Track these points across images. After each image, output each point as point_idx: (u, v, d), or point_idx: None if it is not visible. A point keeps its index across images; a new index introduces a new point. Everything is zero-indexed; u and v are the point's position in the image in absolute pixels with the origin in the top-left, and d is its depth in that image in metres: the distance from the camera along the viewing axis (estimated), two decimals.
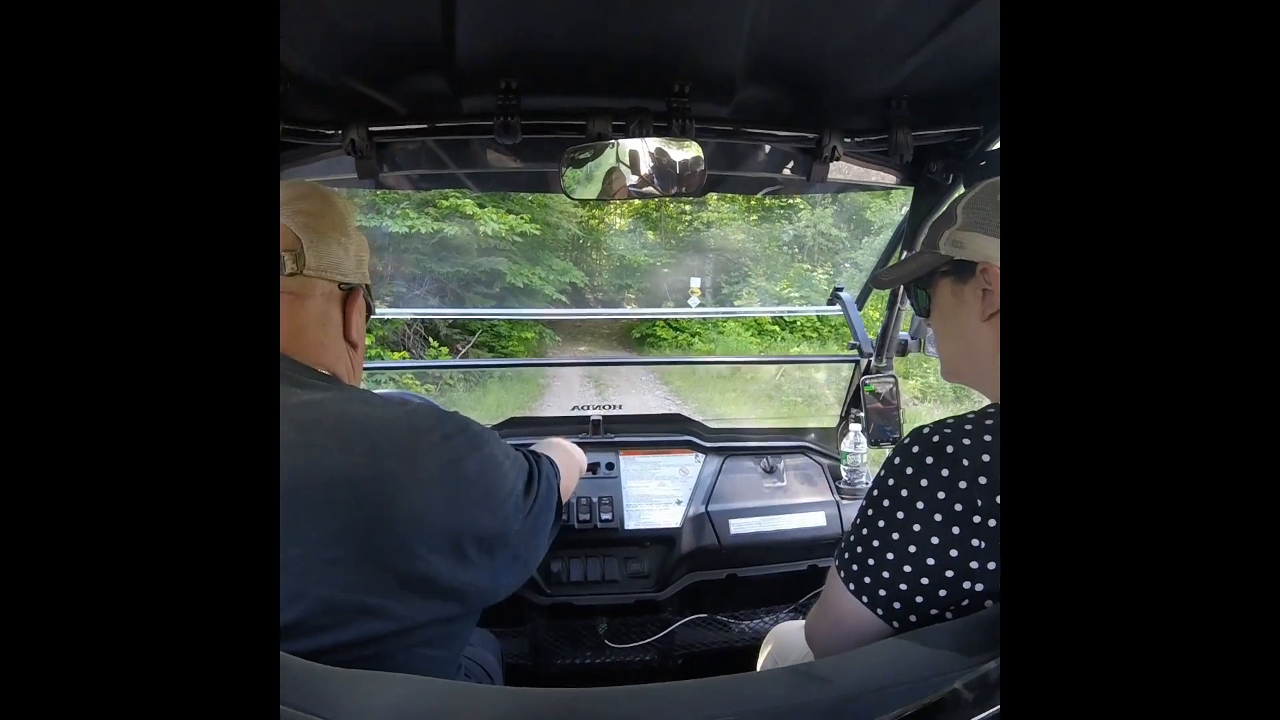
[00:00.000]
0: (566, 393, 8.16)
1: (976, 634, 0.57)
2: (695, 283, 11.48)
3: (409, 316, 7.73)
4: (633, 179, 1.14)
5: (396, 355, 7.80)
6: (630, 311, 11.94)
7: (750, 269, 12.03)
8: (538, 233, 10.31)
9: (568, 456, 1.14)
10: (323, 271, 0.81)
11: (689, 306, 10.99)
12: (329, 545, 0.66)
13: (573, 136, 1.13)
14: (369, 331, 0.97)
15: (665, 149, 1.13)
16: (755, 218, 11.92)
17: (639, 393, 8.41)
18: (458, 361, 7.24)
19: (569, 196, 1.16)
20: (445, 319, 9.14)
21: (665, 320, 11.17)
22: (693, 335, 11.30)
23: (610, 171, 1.14)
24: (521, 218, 9.68)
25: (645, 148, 1.12)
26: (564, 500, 0.98)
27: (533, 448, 1.15)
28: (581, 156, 1.13)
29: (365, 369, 1.06)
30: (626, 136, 1.10)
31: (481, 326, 9.54)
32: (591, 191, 1.15)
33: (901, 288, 1.55)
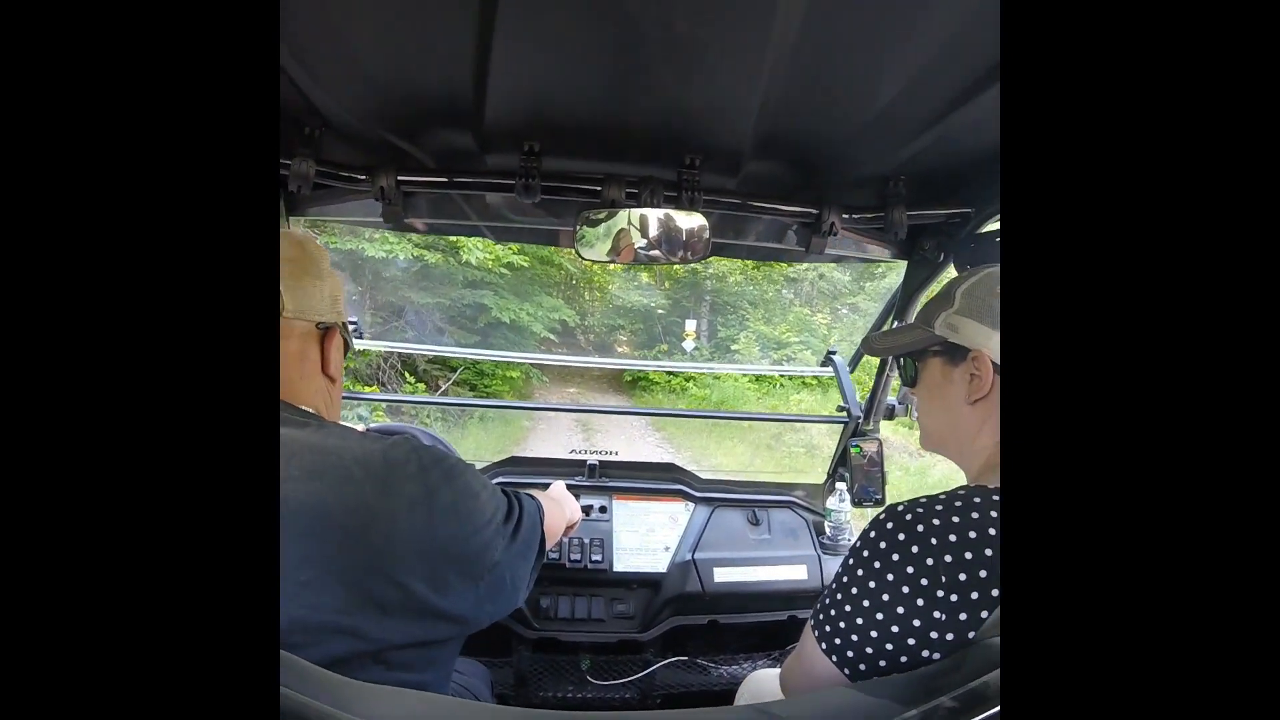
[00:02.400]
0: (552, 436, 8.05)
1: (910, 687, 0.66)
2: (690, 325, 11.42)
3: (387, 349, 7.63)
4: (641, 242, 1.27)
5: (368, 390, 7.67)
6: (620, 362, 11.78)
7: (748, 313, 11.90)
8: (526, 265, 10.19)
9: (555, 504, 1.22)
10: (300, 313, 0.91)
11: (684, 349, 10.78)
12: (301, 568, 0.71)
13: (588, 200, 1.25)
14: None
15: (673, 215, 1.25)
16: (753, 262, 11.85)
17: (630, 440, 8.30)
18: (440, 399, 7.14)
19: (580, 256, 1.29)
20: (425, 354, 8.93)
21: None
22: (687, 380, 11.14)
23: (620, 234, 1.27)
24: (509, 248, 9.56)
25: (654, 214, 1.24)
26: (549, 539, 1.05)
27: (531, 493, 1.27)
28: (595, 218, 1.25)
29: (343, 398, 1.16)
30: (639, 205, 1.23)
31: (463, 364, 9.36)
32: (602, 252, 1.28)
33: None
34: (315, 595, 0.72)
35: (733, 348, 11.55)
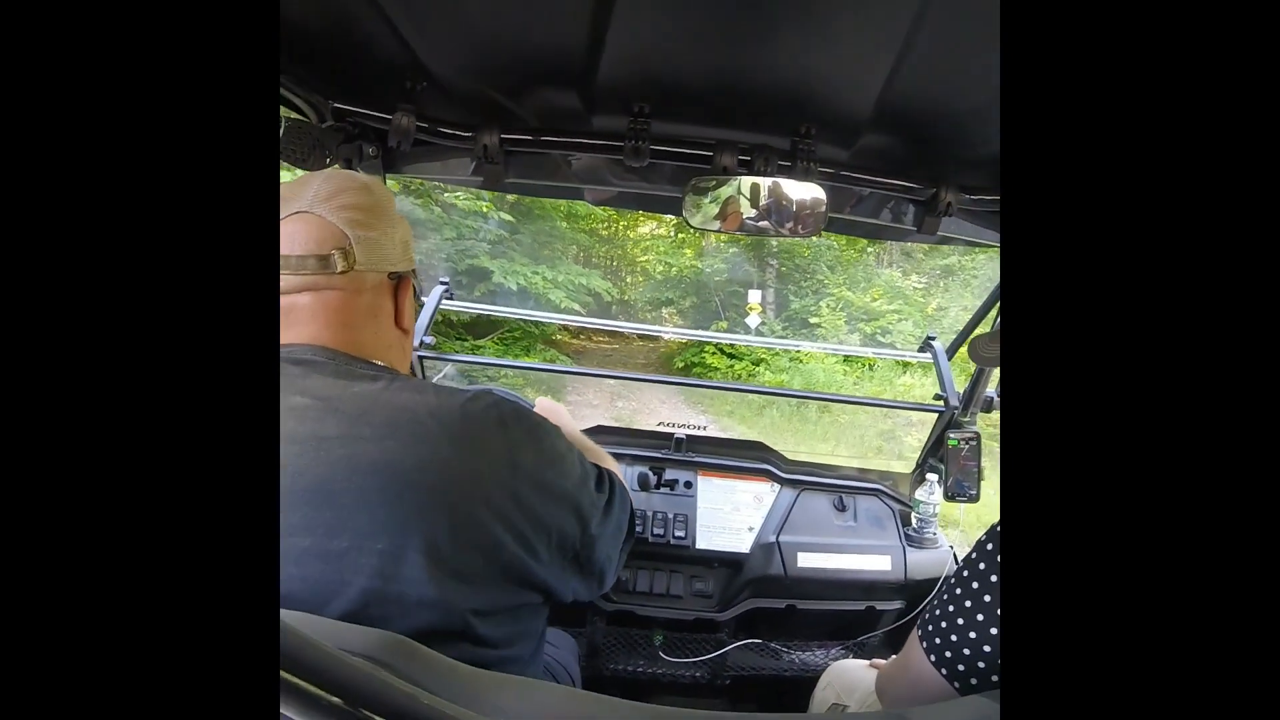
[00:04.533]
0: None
1: None
2: (754, 296, 10.13)
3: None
4: (750, 212, 1.29)
5: None
6: (684, 332, 10.75)
7: (827, 278, 10.37)
8: (533, 207, 8.92)
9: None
10: (372, 265, 0.88)
11: (747, 326, 9.60)
12: (378, 536, 0.71)
13: (698, 166, 1.27)
14: None
15: (786, 186, 1.26)
16: None
17: None
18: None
19: (688, 224, 1.32)
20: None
21: (718, 346, 9.84)
22: (755, 363, 9.61)
23: (728, 201, 1.29)
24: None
25: (766, 183, 1.26)
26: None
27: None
28: (704, 185, 1.28)
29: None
30: (751, 173, 1.25)
31: (463, 350, 7.83)
32: (710, 221, 1.31)
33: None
34: (394, 565, 0.71)
35: (811, 321, 9.85)
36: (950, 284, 9.88)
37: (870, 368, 9.04)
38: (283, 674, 0.44)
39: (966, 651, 0.83)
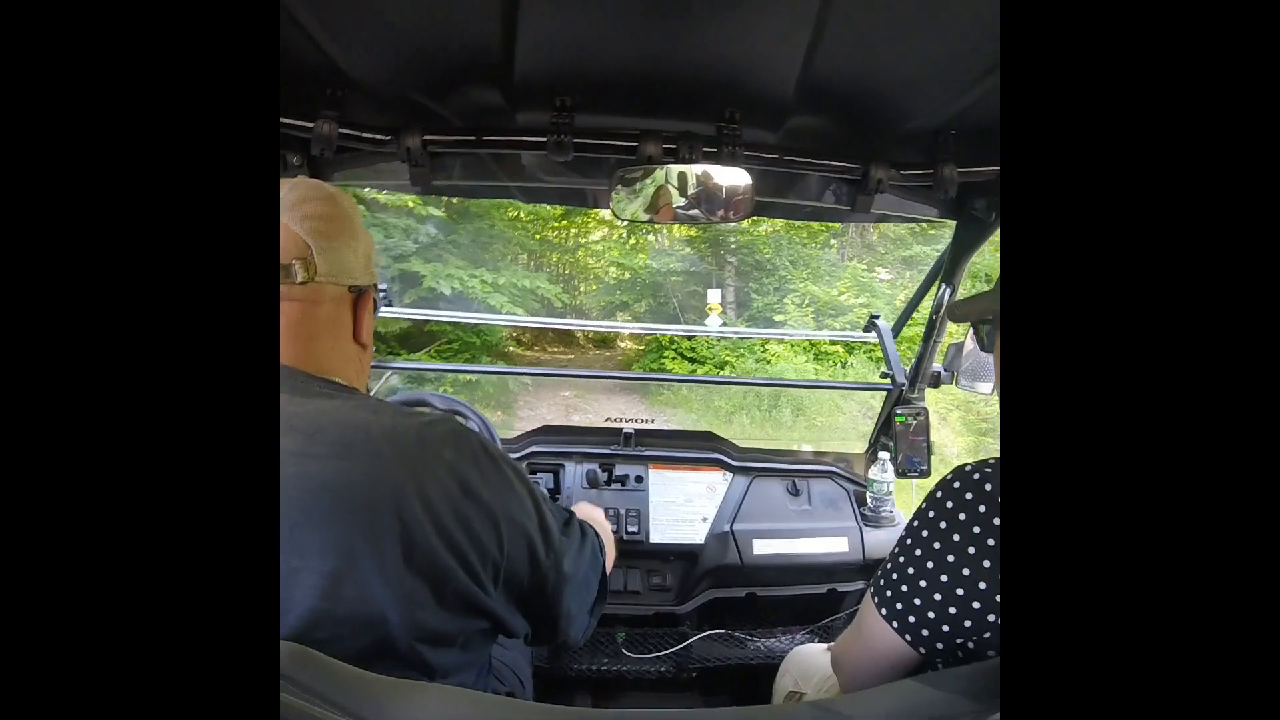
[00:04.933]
0: None
1: (985, 681, 0.66)
2: (714, 296, 9.81)
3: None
4: (680, 201, 1.30)
5: None
6: (636, 326, 10.31)
7: (790, 274, 9.79)
8: (472, 208, 8.40)
9: (606, 534, 1.19)
10: (333, 276, 0.86)
11: (706, 328, 9.36)
12: (327, 556, 0.70)
13: (624, 156, 1.27)
14: None
15: (714, 173, 1.27)
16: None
17: None
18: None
19: (618, 217, 1.33)
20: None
21: (678, 351, 9.36)
22: (719, 366, 9.07)
23: (659, 192, 1.30)
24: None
25: (694, 171, 1.27)
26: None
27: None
28: (631, 176, 1.28)
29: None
30: (676, 161, 1.25)
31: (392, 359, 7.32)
32: (639, 212, 1.32)
33: (942, 322, 1.76)
34: (341, 586, 0.71)
35: (776, 319, 9.42)
36: (917, 276, 9.38)
37: (843, 365, 8.79)
38: None
39: (920, 604, 0.83)
